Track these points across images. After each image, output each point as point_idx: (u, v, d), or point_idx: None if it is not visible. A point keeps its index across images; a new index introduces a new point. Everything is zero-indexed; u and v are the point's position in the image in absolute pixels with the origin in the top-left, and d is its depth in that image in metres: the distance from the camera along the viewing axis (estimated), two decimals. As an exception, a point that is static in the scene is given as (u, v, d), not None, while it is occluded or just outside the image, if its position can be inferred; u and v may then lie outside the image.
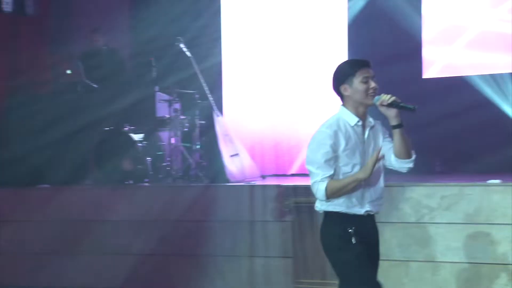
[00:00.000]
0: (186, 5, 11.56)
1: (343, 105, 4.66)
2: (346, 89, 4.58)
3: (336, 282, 7.36)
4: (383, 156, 4.59)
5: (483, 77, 10.41)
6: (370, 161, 4.46)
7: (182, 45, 9.62)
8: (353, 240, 4.57)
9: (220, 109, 10.64)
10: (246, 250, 8.13)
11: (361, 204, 4.66)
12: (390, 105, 4.47)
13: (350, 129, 4.62)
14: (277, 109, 11.46)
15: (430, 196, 7.39)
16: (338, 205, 4.62)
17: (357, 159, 4.63)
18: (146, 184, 9.15)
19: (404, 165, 4.65)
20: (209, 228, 8.18)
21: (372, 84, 4.54)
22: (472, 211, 7.06)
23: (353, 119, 4.61)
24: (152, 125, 9.72)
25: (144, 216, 8.48)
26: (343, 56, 10.83)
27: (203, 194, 8.47)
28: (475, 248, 7.31)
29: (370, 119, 4.71)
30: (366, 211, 4.66)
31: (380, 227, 7.28)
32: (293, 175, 10.94)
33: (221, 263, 8.07)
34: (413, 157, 4.67)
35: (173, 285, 8.24)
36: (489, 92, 10.08)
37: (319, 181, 4.50)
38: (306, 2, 11.58)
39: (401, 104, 4.45)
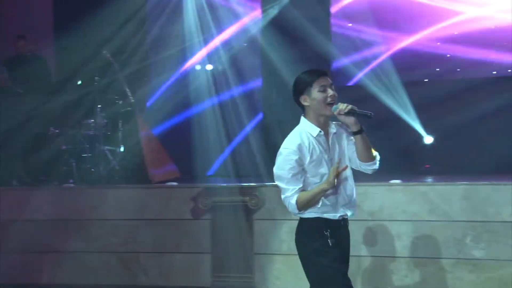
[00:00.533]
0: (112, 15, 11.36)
1: (304, 116, 4.64)
2: (305, 100, 4.56)
3: (251, 275, 7.54)
4: (346, 167, 4.54)
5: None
6: (331, 172, 4.42)
7: (108, 54, 9.66)
8: (330, 243, 4.55)
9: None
10: (167, 247, 8.15)
11: (335, 209, 4.62)
12: (348, 113, 4.44)
13: (313, 140, 4.58)
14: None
15: None
16: (314, 211, 4.59)
17: (324, 168, 4.58)
18: (71, 185, 9.08)
19: (368, 167, 4.63)
20: (133, 227, 8.15)
21: (330, 92, 4.50)
22: (376, 209, 7.25)
23: (315, 130, 4.57)
24: (77, 128, 9.66)
25: (69, 215, 8.39)
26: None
27: (127, 195, 8.45)
28: (378, 243, 7.46)
29: (333, 125, 4.65)
30: (341, 215, 4.63)
31: (294, 224, 7.49)
32: (213, 175, 10.98)
33: (144, 259, 8.07)
34: (376, 158, 4.64)
35: (98, 280, 8.16)
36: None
37: (290, 196, 4.48)
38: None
39: (358, 112, 4.44)
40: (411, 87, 10.58)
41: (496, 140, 9.43)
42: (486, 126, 9.64)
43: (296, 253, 7.45)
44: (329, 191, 4.50)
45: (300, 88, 4.55)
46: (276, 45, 10.52)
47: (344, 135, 4.63)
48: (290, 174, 4.46)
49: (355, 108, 4.41)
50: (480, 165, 8.82)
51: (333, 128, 4.60)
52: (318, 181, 4.50)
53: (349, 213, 4.64)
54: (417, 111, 10.46)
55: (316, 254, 4.61)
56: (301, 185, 4.46)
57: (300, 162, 4.47)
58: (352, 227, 7.31)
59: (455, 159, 9.56)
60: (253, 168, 9.85)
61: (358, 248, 7.51)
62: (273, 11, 10.64)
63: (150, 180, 9.17)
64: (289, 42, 10.46)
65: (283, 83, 10.27)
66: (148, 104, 11.42)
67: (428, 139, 10.64)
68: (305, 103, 4.55)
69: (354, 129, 4.42)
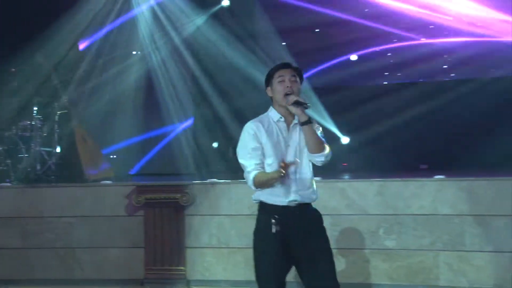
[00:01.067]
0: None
1: (272, 105, 4.68)
2: (269, 91, 4.65)
3: (182, 268, 7.66)
4: (295, 162, 4.47)
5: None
6: (280, 163, 4.39)
7: (41, 59, 9.63)
8: (273, 230, 4.49)
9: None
10: (102, 242, 8.15)
11: (287, 194, 4.56)
12: (294, 104, 4.45)
13: (273, 124, 4.60)
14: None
15: None
16: (264, 196, 4.58)
17: (279, 152, 4.56)
18: (8, 184, 8.99)
19: (316, 158, 4.56)
20: (69, 223, 8.11)
21: (287, 84, 4.54)
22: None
23: (276, 116, 4.60)
24: (13, 129, 9.58)
25: (7, 213, 8.30)
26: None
27: (63, 193, 8.40)
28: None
29: (301, 125, 4.60)
30: (291, 201, 4.55)
31: (223, 220, 7.61)
32: (149, 174, 10.97)
33: (79, 254, 8.05)
34: (324, 152, 4.55)
35: (35, 276, 8.09)
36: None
37: (249, 172, 4.48)
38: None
39: (300, 102, 4.43)
40: (325, 92, 10.89)
41: (403, 140, 9.65)
42: (394, 128, 9.83)
43: (225, 246, 7.57)
44: (286, 169, 4.45)
45: (266, 80, 4.66)
46: (206, 51, 10.75)
47: (298, 129, 4.64)
48: (251, 147, 4.50)
49: (300, 99, 4.44)
50: (391, 163, 9.04)
51: (296, 119, 4.59)
52: (271, 162, 4.51)
53: (299, 199, 4.54)
54: (332, 114, 10.80)
55: (259, 238, 4.62)
56: (258, 161, 4.47)
57: (257, 138, 4.53)
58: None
59: (369, 158, 9.82)
60: (184, 167, 10.02)
61: None
62: (201, 20, 10.90)
63: (85, 179, 9.18)
64: (218, 49, 10.69)
65: (214, 87, 10.50)
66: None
67: (345, 140, 11.03)
68: (270, 94, 4.64)
69: (301, 119, 4.44)
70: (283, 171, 4.30)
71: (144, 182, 8.65)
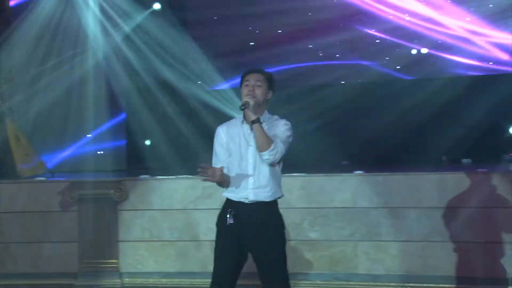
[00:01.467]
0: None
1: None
2: (241, 94, 4.81)
3: (116, 261, 7.72)
4: (217, 169, 4.58)
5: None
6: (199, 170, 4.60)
7: None
8: (229, 222, 4.66)
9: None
10: (36, 237, 8.09)
11: (241, 191, 4.70)
12: (242, 105, 4.61)
13: (239, 126, 4.77)
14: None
15: (193, 187, 7.76)
16: (226, 192, 4.76)
17: (241, 151, 4.72)
18: None
19: (262, 157, 4.64)
20: (3, 219, 8.00)
21: (251, 88, 4.69)
22: (187, 203, 7.62)
23: (240, 119, 4.78)
24: None
25: None
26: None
27: (-3, 189, 8.50)
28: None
29: (265, 118, 4.72)
30: (243, 197, 4.68)
31: (155, 214, 7.69)
32: (80, 171, 10.73)
33: (13, 249, 7.99)
34: (267, 151, 4.59)
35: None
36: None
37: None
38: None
39: (244, 102, 4.59)
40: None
41: (327, 138, 9.60)
42: (318, 127, 9.85)
43: (157, 239, 7.64)
44: (243, 171, 4.65)
45: (239, 85, 4.81)
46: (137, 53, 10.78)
47: (272, 128, 4.73)
48: (216, 149, 4.79)
49: (246, 102, 4.57)
50: (314, 159, 9.10)
51: (262, 120, 4.69)
52: (236, 162, 4.68)
53: (251, 196, 4.64)
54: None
55: (218, 228, 4.77)
56: (219, 162, 4.70)
57: (220, 141, 4.77)
58: (206, 215, 7.44)
59: (293, 155, 9.97)
60: (117, 163, 10.04)
61: (213, 233, 7.86)
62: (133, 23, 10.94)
63: (17, 175, 9.04)
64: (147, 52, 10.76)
65: (144, 86, 10.54)
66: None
67: None
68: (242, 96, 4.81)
69: (250, 119, 4.58)
70: (204, 176, 4.50)
71: (78, 179, 8.62)
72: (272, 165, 4.70)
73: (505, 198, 7.13)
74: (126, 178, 8.41)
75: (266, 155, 4.58)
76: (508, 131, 9.25)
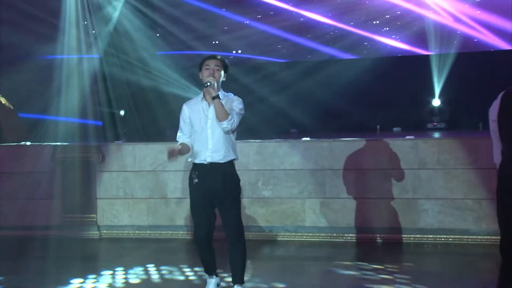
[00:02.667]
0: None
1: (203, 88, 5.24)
2: (200, 75, 5.18)
3: (94, 215, 8.00)
4: (176, 150, 5.04)
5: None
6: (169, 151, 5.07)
7: None
8: (194, 181, 5.12)
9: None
10: (23, 195, 8.16)
11: (201, 155, 5.12)
12: (206, 83, 5.02)
13: (199, 103, 5.19)
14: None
15: (162, 152, 7.74)
16: (191, 157, 5.20)
17: (202, 124, 5.12)
18: None
19: (221, 126, 5.04)
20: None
21: (211, 71, 5.09)
22: (157, 165, 7.79)
23: (200, 97, 5.21)
24: None
25: None
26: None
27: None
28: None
29: (221, 96, 5.06)
30: (203, 160, 5.11)
31: (128, 175, 7.94)
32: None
33: (2, 205, 8.04)
34: (226, 121, 4.98)
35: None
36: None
37: (177, 141, 5.19)
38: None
39: (208, 81, 4.99)
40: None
41: (278, 108, 9.71)
42: (270, 99, 9.88)
43: (130, 197, 7.91)
44: (203, 139, 5.05)
45: (198, 68, 5.19)
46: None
47: (228, 104, 5.12)
48: (181, 123, 5.20)
49: (208, 81, 4.98)
50: (268, 128, 9.11)
51: (220, 96, 5.10)
52: (198, 132, 5.12)
53: (209, 159, 5.07)
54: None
55: (189, 187, 5.21)
56: (182, 134, 5.18)
57: (184, 115, 5.21)
58: (173, 176, 7.74)
59: (249, 124, 10.00)
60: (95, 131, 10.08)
61: (179, 191, 7.88)
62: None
63: (5, 140, 9.00)
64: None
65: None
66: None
67: None
68: (200, 77, 5.16)
69: (212, 95, 5.00)
70: (172, 155, 5.02)
71: (61, 143, 8.66)
72: (227, 133, 5.09)
73: (427, 161, 7.40)
74: (103, 143, 8.50)
75: (225, 124, 4.97)
76: (431, 103, 9.49)
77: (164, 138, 9.30)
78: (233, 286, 5.29)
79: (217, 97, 5.03)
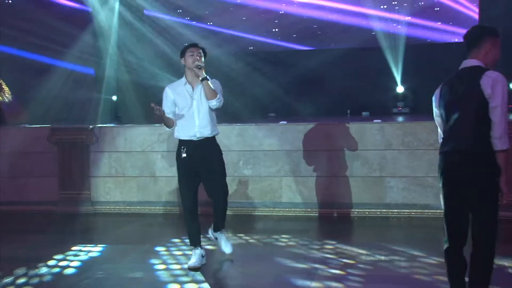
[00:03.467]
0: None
1: (184, 72, 5.44)
2: (183, 61, 5.39)
3: (88, 192, 8.11)
4: (159, 108, 5.13)
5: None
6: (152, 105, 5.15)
7: None
8: (183, 155, 5.31)
9: None
10: (22, 172, 8.33)
11: (190, 131, 5.32)
12: (196, 67, 5.23)
13: (182, 86, 5.38)
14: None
15: (151, 134, 8.04)
16: (178, 133, 5.37)
17: (187, 106, 5.33)
18: None
19: (211, 104, 5.29)
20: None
21: (196, 57, 5.29)
22: (146, 146, 7.90)
23: (183, 81, 5.42)
24: None
25: None
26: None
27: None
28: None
29: (201, 81, 5.26)
30: (192, 135, 5.32)
31: (120, 155, 8.03)
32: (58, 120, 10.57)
33: (2, 182, 8.17)
34: (215, 99, 5.24)
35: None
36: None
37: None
38: None
39: (198, 64, 5.22)
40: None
41: (257, 94, 9.65)
42: (249, 86, 9.74)
43: (121, 175, 8.00)
44: (190, 118, 5.26)
45: (181, 53, 5.40)
46: None
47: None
48: (164, 102, 5.33)
49: (198, 64, 5.22)
50: (248, 112, 9.10)
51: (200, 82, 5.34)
52: (184, 112, 5.33)
53: (198, 134, 5.29)
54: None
55: (177, 160, 5.41)
56: (168, 110, 5.27)
57: (168, 96, 5.35)
58: (160, 156, 7.81)
59: (231, 109, 9.96)
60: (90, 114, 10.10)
61: (166, 170, 7.93)
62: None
63: (6, 122, 9.19)
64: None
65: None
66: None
67: None
68: (183, 63, 5.40)
69: (201, 77, 5.23)
70: (156, 111, 5.10)
71: (57, 126, 8.73)
72: (212, 111, 5.34)
73: (392, 142, 7.53)
74: (96, 125, 8.51)
75: (214, 101, 5.25)
76: (395, 90, 9.61)
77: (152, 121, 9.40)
78: (215, 232, 5.67)
79: (206, 78, 5.25)
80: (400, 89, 9.15)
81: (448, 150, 3.96)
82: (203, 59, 5.39)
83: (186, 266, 5.44)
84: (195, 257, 5.45)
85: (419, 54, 9.55)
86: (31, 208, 8.17)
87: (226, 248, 5.74)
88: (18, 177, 8.31)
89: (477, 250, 3.85)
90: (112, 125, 8.72)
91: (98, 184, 8.27)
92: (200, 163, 5.36)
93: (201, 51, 5.41)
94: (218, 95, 5.28)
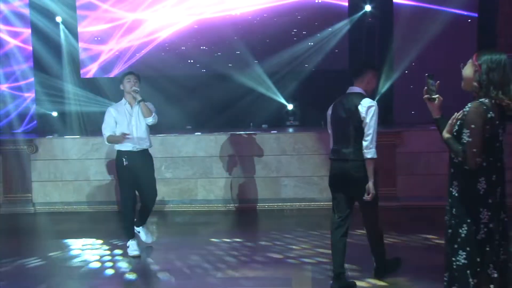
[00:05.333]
0: None
1: (123, 95, 5.63)
2: (122, 86, 5.62)
3: (30, 195, 8.06)
4: (127, 134, 5.38)
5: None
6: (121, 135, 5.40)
7: None
8: (124, 163, 5.51)
9: None
10: None
11: (132, 143, 5.52)
12: (133, 92, 5.50)
13: (122, 106, 5.58)
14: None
15: (86, 144, 8.08)
16: (120, 146, 5.55)
17: (125, 125, 5.52)
18: None
19: (147, 121, 5.54)
20: None
21: (132, 83, 5.52)
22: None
23: (124, 101, 5.63)
24: None
25: None
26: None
27: None
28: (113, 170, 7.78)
29: (138, 103, 5.47)
30: (135, 147, 5.52)
31: (58, 163, 7.94)
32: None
33: None
34: (151, 117, 5.50)
35: None
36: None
37: (104, 134, 5.53)
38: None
39: (135, 89, 5.46)
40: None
41: (176, 109, 9.39)
42: (172, 101, 9.39)
43: (59, 180, 8.01)
44: (128, 135, 5.44)
45: (119, 79, 5.67)
46: None
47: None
48: (106, 122, 5.52)
49: (136, 89, 5.50)
50: (168, 124, 8.78)
51: (138, 104, 5.57)
52: (123, 130, 5.49)
53: (138, 146, 5.55)
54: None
55: (118, 169, 5.63)
56: (110, 130, 5.48)
57: (111, 116, 5.53)
58: (95, 163, 7.89)
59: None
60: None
61: (101, 175, 8.05)
62: None
63: None
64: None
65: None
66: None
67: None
68: (122, 88, 5.64)
69: (138, 99, 5.51)
70: (124, 137, 5.41)
71: (1, 137, 8.57)
72: (148, 127, 5.58)
73: (286, 149, 7.95)
74: (36, 138, 8.47)
75: (151, 119, 5.51)
76: (287, 107, 9.86)
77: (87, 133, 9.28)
78: (138, 226, 5.83)
79: (143, 100, 5.51)
80: (290, 106, 9.90)
81: (334, 157, 4.55)
82: (138, 84, 5.60)
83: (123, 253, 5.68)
84: (135, 246, 5.69)
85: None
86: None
87: (148, 239, 5.98)
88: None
89: (367, 232, 4.66)
90: (50, 136, 8.67)
91: (38, 188, 8.22)
92: (139, 169, 5.55)
93: (136, 78, 5.62)
94: (153, 114, 5.49)
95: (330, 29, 9.79)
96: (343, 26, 9.84)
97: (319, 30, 9.84)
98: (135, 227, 5.85)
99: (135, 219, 5.84)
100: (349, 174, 4.41)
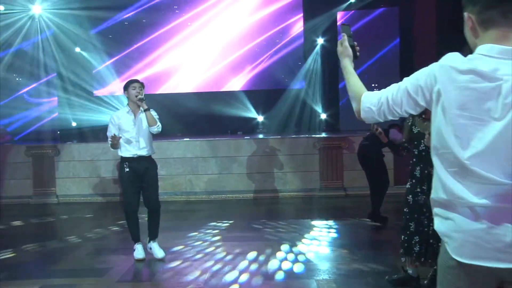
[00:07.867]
0: None
1: (128, 102, 4.88)
2: (126, 94, 4.85)
3: (54, 188, 8.12)
4: (119, 137, 4.65)
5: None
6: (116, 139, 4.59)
7: None
8: (125, 170, 4.82)
9: None
10: (7, 176, 8.30)
11: (132, 151, 4.84)
12: (139, 100, 4.77)
13: (125, 115, 4.84)
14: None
15: (98, 148, 8.28)
16: (123, 152, 4.86)
17: (130, 129, 4.82)
18: None
19: (151, 130, 4.80)
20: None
21: (138, 91, 4.77)
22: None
23: (126, 109, 4.87)
24: None
25: None
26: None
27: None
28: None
29: (142, 110, 4.74)
30: (134, 154, 4.81)
31: (76, 163, 8.13)
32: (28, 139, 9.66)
33: None
34: (155, 126, 4.76)
35: None
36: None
37: (108, 141, 4.78)
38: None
39: (142, 98, 4.72)
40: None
41: (169, 118, 8.70)
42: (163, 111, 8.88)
43: (77, 177, 8.08)
44: (132, 140, 4.79)
45: (124, 87, 4.90)
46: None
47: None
48: (110, 128, 4.83)
49: (142, 98, 4.75)
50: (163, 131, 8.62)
51: (141, 111, 4.84)
52: (127, 136, 4.81)
53: (139, 153, 4.85)
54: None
55: (120, 175, 5.00)
56: (113, 134, 4.67)
57: (114, 122, 4.82)
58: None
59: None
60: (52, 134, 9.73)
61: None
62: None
63: None
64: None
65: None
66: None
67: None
68: (126, 96, 4.88)
69: (144, 108, 4.78)
70: (115, 140, 4.69)
71: (30, 144, 8.73)
72: (151, 134, 4.88)
73: (257, 150, 8.16)
74: (58, 143, 8.75)
75: (155, 128, 4.79)
76: (257, 118, 10.06)
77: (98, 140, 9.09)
78: (149, 242, 5.03)
79: (149, 109, 4.79)
80: (260, 118, 9.86)
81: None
82: (143, 91, 4.85)
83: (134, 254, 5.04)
84: (141, 250, 4.98)
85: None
86: (13, 201, 8.34)
87: (160, 254, 5.06)
88: (4, 179, 8.43)
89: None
90: (70, 142, 8.85)
91: (60, 183, 8.52)
92: (140, 175, 4.87)
93: (142, 86, 4.89)
94: (158, 123, 4.78)
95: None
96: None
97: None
98: (147, 244, 5.07)
99: (146, 235, 5.16)
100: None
